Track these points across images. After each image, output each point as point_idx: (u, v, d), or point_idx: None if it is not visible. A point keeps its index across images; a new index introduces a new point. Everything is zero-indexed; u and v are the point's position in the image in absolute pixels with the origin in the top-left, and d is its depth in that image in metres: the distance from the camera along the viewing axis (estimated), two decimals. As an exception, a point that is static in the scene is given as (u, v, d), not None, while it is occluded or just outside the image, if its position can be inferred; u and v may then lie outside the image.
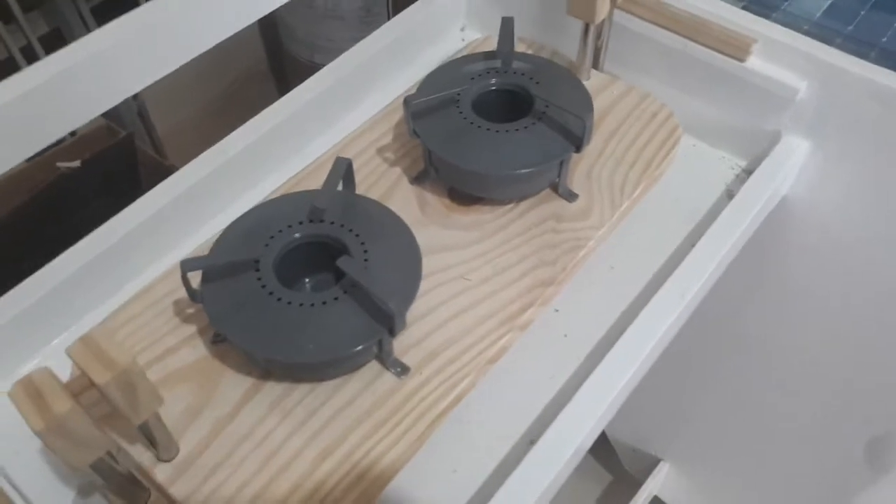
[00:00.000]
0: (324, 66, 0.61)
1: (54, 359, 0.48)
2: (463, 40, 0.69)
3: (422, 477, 0.43)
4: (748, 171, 0.58)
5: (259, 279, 0.41)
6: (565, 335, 0.49)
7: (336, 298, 0.41)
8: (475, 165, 0.48)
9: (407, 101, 0.49)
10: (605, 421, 0.46)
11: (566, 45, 0.61)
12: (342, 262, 0.41)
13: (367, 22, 1.27)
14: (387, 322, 0.40)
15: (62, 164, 0.80)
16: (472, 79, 0.52)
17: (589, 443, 0.45)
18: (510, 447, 0.45)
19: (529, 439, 0.45)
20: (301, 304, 0.40)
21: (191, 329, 0.45)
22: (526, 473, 0.41)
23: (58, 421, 0.30)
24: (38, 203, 0.80)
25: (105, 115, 1.17)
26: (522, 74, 0.52)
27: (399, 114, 0.58)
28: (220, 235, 0.45)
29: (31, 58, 1.26)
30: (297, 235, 0.43)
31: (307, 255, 0.44)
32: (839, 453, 0.76)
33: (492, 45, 0.61)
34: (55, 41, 1.28)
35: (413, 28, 0.65)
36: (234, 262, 0.42)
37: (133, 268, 0.52)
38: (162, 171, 0.95)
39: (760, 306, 0.71)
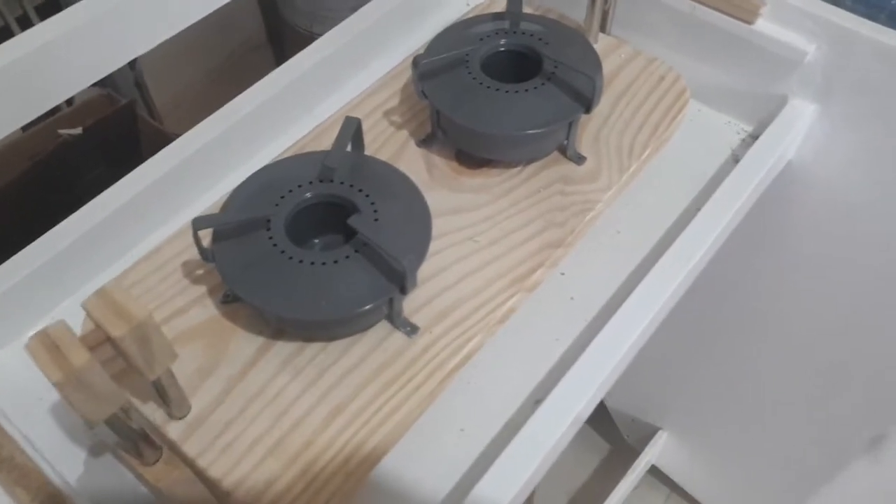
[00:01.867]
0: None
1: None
2: (468, 4, 0.69)
3: (430, 435, 0.43)
4: (754, 136, 0.58)
5: (270, 238, 0.41)
6: (571, 298, 0.49)
7: (347, 257, 0.41)
8: (484, 126, 0.48)
9: (415, 62, 0.49)
10: (610, 382, 0.46)
11: (572, 9, 0.61)
12: (353, 221, 0.41)
13: (367, -9, 1.26)
14: (398, 280, 0.40)
15: (63, 132, 0.80)
16: (481, 39, 0.52)
17: (594, 403, 0.46)
18: (517, 407, 0.45)
19: (535, 399, 0.45)
20: (313, 263, 0.41)
21: (200, 290, 0.46)
22: (533, 432, 0.41)
23: (75, 373, 0.31)
24: (39, 170, 0.80)
25: (102, 85, 1.17)
26: (531, 35, 0.52)
27: (404, 78, 0.58)
28: (230, 195, 0.45)
29: (27, 27, 1.25)
30: (307, 195, 0.43)
31: (317, 215, 0.44)
32: (838, 425, 0.77)
33: (496, 8, 0.61)
34: (51, 11, 1.26)
35: (417, -8, 0.65)
36: (245, 221, 0.42)
37: (139, 231, 0.52)
38: (162, 140, 0.94)
39: (762, 273, 0.71)
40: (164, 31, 0.51)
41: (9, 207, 0.77)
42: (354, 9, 0.62)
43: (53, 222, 0.49)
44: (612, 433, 1.13)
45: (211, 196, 0.54)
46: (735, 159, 0.57)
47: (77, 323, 0.42)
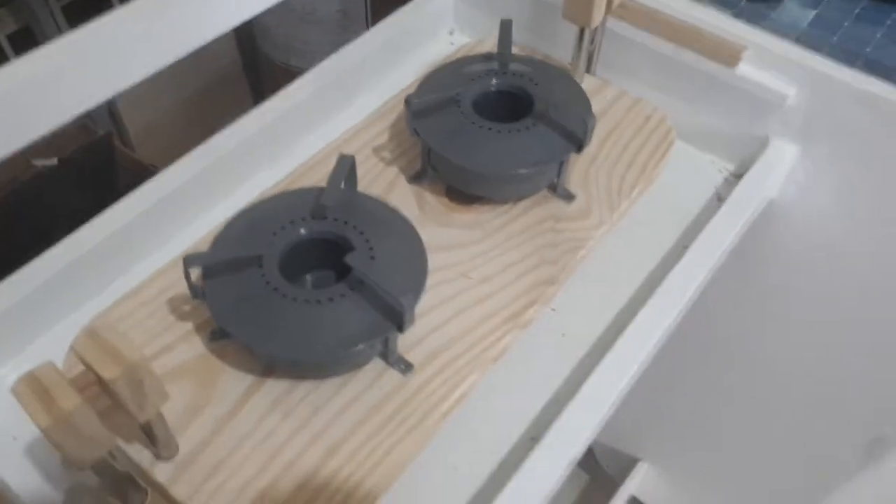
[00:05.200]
0: (299, 68, 0.60)
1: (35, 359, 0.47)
2: (452, 44, 0.70)
3: (424, 474, 0.42)
4: (737, 175, 0.60)
5: (263, 275, 0.41)
6: (563, 334, 0.49)
7: (342, 295, 0.40)
8: (476, 164, 0.48)
9: (408, 101, 0.49)
10: (603, 423, 0.46)
11: (557, 49, 0.62)
12: (351, 259, 0.40)
13: (344, 26, 1.27)
14: (395, 318, 0.40)
15: (38, 162, 0.78)
16: (472, 80, 0.52)
17: (588, 442, 0.45)
18: (511, 445, 0.45)
19: (530, 436, 0.45)
20: (307, 301, 0.40)
21: (187, 326, 0.44)
22: (531, 471, 0.41)
23: (65, 417, 0.29)
24: (12, 200, 0.78)
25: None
26: (521, 76, 0.53)
27: (393, 114, 0.58)
28: (221, 231, 0.44)
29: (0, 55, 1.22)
30: (302, 232, 0.43)
31: (310, 252, 0.44)
32: (822, 455, 0.78)
33: (483, 48, 0.62)
34: (24, 38, 1.24)
35: (403, 31, 0.66)
36: (238, 258, 0.41)
37: (119, 266, 0.51)
38: (140, 171, 0.93)
39: (743, 308, 0.72)
40: (148, 67, 0.50)
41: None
42: (332, 42, 0.63)
43: (27, 254, 0.48)
44: (591, 463, 1.12)
45: (194, 230, 0.53)
46: (719, 198, 0.58)
47: (56, 359, 0.41)
